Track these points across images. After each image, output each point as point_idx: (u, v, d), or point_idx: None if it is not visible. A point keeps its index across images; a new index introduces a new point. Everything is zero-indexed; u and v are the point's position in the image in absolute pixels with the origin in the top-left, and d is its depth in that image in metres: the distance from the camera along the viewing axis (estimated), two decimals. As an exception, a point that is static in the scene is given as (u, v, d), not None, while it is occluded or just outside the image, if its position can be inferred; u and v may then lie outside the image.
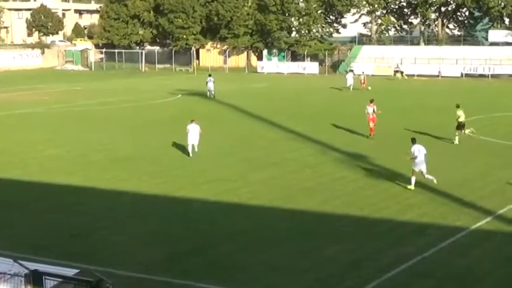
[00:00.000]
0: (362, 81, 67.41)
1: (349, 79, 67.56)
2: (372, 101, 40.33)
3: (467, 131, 36.97)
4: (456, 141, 36.59)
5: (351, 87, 66.42)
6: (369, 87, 65.35)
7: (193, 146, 33.57)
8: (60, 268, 13.38)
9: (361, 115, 39.26)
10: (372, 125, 39.04)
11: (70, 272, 13.02)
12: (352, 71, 75.09)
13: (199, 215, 23.70)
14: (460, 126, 36.87)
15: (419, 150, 27.18)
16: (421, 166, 27.02)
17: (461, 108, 37.38)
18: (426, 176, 27.05)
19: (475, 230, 21.48)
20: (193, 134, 33.41)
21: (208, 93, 60.34)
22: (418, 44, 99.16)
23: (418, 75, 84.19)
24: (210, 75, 62.28)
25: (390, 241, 20.56)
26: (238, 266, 18.50)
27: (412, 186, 26.74)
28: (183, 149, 35.31)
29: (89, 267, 16.54)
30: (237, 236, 21.27)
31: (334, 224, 22.43)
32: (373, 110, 39.55)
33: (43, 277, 12.10)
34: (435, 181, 26.96)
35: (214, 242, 20.69)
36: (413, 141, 27.98)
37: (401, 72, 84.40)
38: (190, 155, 33.27)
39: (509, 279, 17.74)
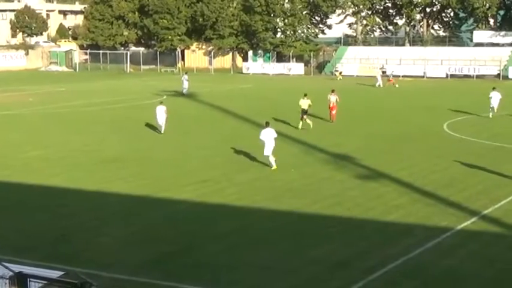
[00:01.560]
0: (389, 79, 70.06)
1: (378, 78, 70.08)
2: (333, 91, 45.84)
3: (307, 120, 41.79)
4: (300, 127, 41.55)
5: (380, 85, 68.65)
6: (397, 85, 66.67)
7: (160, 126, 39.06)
8: (45, 270, 13.35)
9: (348, 116, 39.28)
10: (333, 112, 44.39)
11: (55, 274, 12.99)
12: (383, 70, 75.63)
13: (185, 216, 23.63)
14: (304, 113, 41.69)
15: (266, 134, 30.64)
16: (267, 148, 30.41)
17: (307, 98, 42.05)
18: (270, 158, 30.43)
19: (460, 231, 21.50)
20: (160, 115, 39.34)
21: (183, 90, 62.54)
22: (403, 44, 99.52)
23: (403, 76, 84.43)
24: (186, 73, 63.72)
25: (376, 241, 20.55)
26: (224, 267, 18.44)
27: (274, 167, 30.12)
28: (168, 150, 35.33)
29: (74, 269, 16.44)
30: (222, 236, 21.21)
31: (321, 225, 22.40)
32: (336, 100, 44.91)
33: (28, 279, 12.05)
34: (274, 166, 30.22)
35: (200, 242, 20.63)
36: (267, 124, 31.62)
37: (340, 73, 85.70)
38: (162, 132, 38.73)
39: (494, 280, 17.77)
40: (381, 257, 18.98)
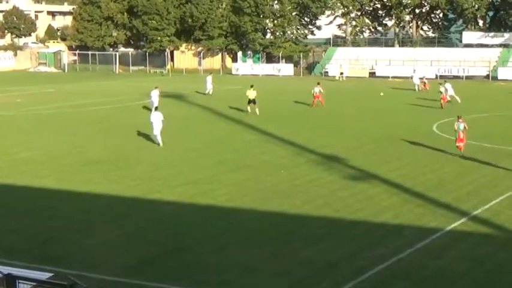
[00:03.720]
0: (424, 84, 67.58)
1: (416, 80, 68.24)
2: (318, 83, 55.31)
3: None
4: (249, 111, 48.88)
5: (417, 88, 66.99)
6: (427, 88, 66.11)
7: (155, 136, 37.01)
8: (34, 272, 13.29)
9: (340, 119, 39.31)
10: (316, 100, 53.18)
11: (44, 275, 12.96)
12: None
13: (174, 218, 23.59)
14: (250, 101, 49.01)
15: (155, 117, 36.45)
16: (155, 129, 36.13)
17: (254, 89, 49.18)
18: (158, 137, 35.95)
19: (450, 231, 21.54)
20: (157, 125, 36.74)
21: (206, 90, 63.87)
22: (393, 45, 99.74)
23: (392, 77, 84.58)
24: (210, 74, 67.10)
25: (366, 243, 20.55)
26: (213, 268, 18.41)
27: (161, 145, 35.83)
28: (157, 151, 35.27)
29: (63, 271, 16.40)
30: (212, 238, 21.18)
31: (310, 226, 22.38)
32: (319, 90, 53.63)
33: (17, 281, 12.08)
34: (161, 144, 35.89)
35: (189, 244, 20.59)
36: (156, 109, 38.24)
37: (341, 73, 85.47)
38: (161, 144, 36.55)
39: (484, 280, 17.80)
40: (370, 258, 18.99)
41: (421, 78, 68.27)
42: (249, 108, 48.97)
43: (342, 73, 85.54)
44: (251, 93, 49.40)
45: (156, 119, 36.85)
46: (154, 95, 49.53)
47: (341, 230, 21.97)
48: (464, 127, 33.05)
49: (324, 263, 18.85)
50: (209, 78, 64.70)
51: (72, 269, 17.44)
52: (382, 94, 59.41)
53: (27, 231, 22.04)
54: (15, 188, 27.89)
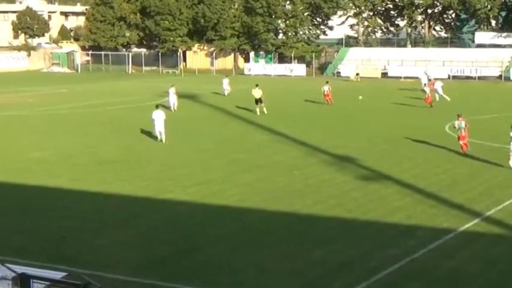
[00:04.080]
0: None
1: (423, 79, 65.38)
2: (327, 82, 57.69)
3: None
4: (258, 113, 48.69)
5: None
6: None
7: (160, 133, 37.93)
8: (48, 271, 13.32)
9: (352, 118, 39.23)
10: (326, 98, 55.25)
11: (58, 275, 12.96)
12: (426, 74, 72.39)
13: (186, 218, 23.62)
14: (257, 101, 49.25)
15: (157, 114, 37.64)
16: (159, 127, 37.39)
17: (259, 88, 49.68)
18: (162, 134, 37.40)
19: (463, 232, 21.47)
20: (159, 122, 37.82)
21: (225, 91, 63.75)
22: (405, 46, 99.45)
23: (404, 77, 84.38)
24: (226, 76, 66.85)
25: (378, 243, 20.51)
26: (225, 269, 18.43)
27: (164, 141, 37.15)
28: (169, 151, 35.33)
29: (76, 271, 16.44)
30: (224, 238, 21.19)
31: (322, 226, 22.38)
32: (328, 88, 55.74)
33: (30, 280, 12.10)
34: (163, 141, 37.13)
35: (202, 244, 20.60)
36: (157, 107, 38.56)
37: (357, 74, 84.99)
38: (159, 139, 37.86)
39: (497, 281, 17.75)
40: (383, 259, 18.95)
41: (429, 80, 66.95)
42: (257, 108, 49.32)
43: (357, 74, 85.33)
44: (257, 93, 49.91)
45: (158, 117, 37.84)
46: (171, 93, 52.36)
47: (353, 230, 21.94)
48: (466, 125, 33.44)
49: (336, 263, 18.83)
50: (225, 81, 64.68)
51: (85, 268, 17.48)
52: (360, 98, 58.43)
53: (40, 230, 22.13)
54: (28, 188, 28.00)
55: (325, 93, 55.65)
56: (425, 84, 59.42)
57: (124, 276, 17.83)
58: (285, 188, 27.31)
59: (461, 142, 33.57)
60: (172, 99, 52.25)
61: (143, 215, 23.93)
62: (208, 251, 19.96)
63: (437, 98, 56.03)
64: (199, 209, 24.64)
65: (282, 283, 17.59)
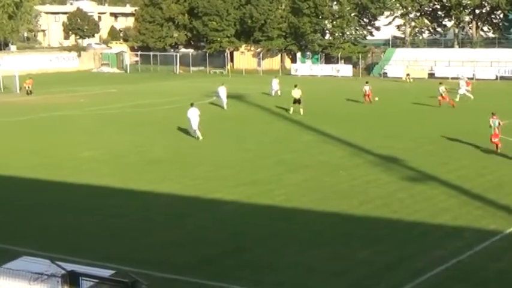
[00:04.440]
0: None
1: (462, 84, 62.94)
2: (367, 82, 58.64)
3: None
4: (291, 113, 49.43)
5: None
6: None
7: (194, 131, 39.01)
8: (96, 269, 13.53)
9: (397, 119, 39.03)
10: (366, 98, 56.05)
11: (106, 272, 13.15)
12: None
13: (233, 218, 23.79)
14: (295, 101, 49.77)
15: (192, 112, 38.73)
16: (193, 124, 38.55)
17: (298, 89, 50.27)
18: (196, 132, 38.33)
19: (510, 234, 21.29)
20: (194, 120, 38.96)
21: (272, 91, 63.60)
22: (452, 46, 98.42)
23: (452, 78, 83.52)
24: (275, 77, 66.65)
25: (424, 244, 20.47)
26: (271, 268, 18.56)
27: (201, 138, 38.23)
28: (217, 151, 35.55)
29: (124, 269, 16.69)
30: (270, 238, 21.33)
31: (368, 227, 22.40)
32: (369, 88, 56.48)
33: (79, 278, 12.23)
34: (200, 138, 38.19)
35: (248, 244, 20.77)
36: (191, 105, 39.43)
37: (408, 75, 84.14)
38: (196, 136, 38.88)
39: (544, 284, 17.62)
40: (429, 260, 18.91)
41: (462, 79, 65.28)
42: (291, 108, 49.93)
43: (408, 74, 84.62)
44: (296, 93, 50.27)
45: (193, 115, 39.11)
46: (222, 91, 54.10)
47: (399, 231, 21.92)
48: (499, 123, 34.06)
49: (382, 264, 18.85)
50: (275, 81, 64.79)
51: (133, 266, 17.69)
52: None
53: (90, 229, 22.49)
54: (78, 187, 28.41)
55: (366, 93, 56.48)
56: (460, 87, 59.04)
57: (171, 275, 18.05)
58: (331, 188, 27.36)
59: (494, 140, 33.96)
60: (223, 98, 53.94)
61: (191, 215, 24.18)
62: (255, 251, 20.12)
63: (458, 98, 56.58)
64: (246, 209, 24.79)
65: (327, 283, 17.67)
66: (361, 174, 29.78)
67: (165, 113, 51.93)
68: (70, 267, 12.64)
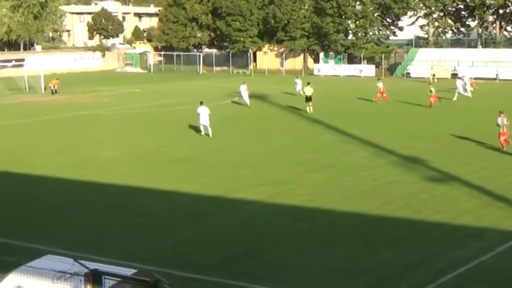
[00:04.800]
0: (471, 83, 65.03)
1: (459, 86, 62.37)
2: (379, 79, 61.19)
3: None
4: (308, 111, 49.71)
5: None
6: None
7: (205, 127, 40.13)
8: (119, 268, 13.66)
9: (420, 119, 38.88)
10: (379, 95, 56.68)
11: (128, 271, 13.28)
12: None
13: (255, 217, 23.89)
14: (308, 99, 50.34)
15: (202, 110, 39.89)
16: (204, 122, 39.66)
17: (311, 87, 50.91)
18: (209, 129, 39.55)
19: (532, 235, 21.27)
20: (203, 116, 40.05)
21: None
22: (476, 46, 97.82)
23: (475, 78, 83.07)
24: (297, 77, 66.37)
25: (446, 245, 20.46)
26: (293, 268, 18.64)
27: (211, 135, 39.36)
28: (239, 151, 35.66)
29: (147, 268, 16.83)
30: (292, 238, 21.40)
31: (390, 227, 22.42)
32: (383, 85, 57.24)
33: (102, 276, 12.36)
34: (210, 134, 39.30)
35: (270, 243, 20.86)
36: (201, 103, 40.34)
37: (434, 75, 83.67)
38: (202, 133, 40.18)
39: None
40: (450, 261, 18.91)
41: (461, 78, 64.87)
42: (307, 107, 50.43)
43: (434, 75, 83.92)
44: (308, 90, 51.13)
45: (203, 112, 40.25)
46: (243, 90, 55.45)
47: (421, 232, 21.90)
48: (507, 121, 34.74)
49: (403, 264, 18.87)
50: (298, 81, 64.80)
51: (155, 265, 17.83)
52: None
53: (113, 228, 22.68)
54: (101, 186, 28.66)
55: (381, 90, 57.12)
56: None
57: (193, 274, 18.15)
58: (353, 188, 27.39)
59: (501, 138, 34.55)
60: (245, 96, 55.06)
61: (213, 214, 24.29)
62: (277, 251, 20.20)
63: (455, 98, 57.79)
64: (268, 209, 24.87)
65: (349, 283, 17.74)
66: (383, 174, 29.77)
67: (188, 113, 51.88)
68: (93, 266, 12.78)
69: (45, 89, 71.46)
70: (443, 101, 54.02)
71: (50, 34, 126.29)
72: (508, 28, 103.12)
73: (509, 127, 34.92)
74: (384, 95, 56.74)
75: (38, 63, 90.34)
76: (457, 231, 21.91)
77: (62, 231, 22.33)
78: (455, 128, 41.90)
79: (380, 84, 57.61)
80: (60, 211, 24.85)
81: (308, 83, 51.95)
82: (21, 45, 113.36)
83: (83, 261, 12.83)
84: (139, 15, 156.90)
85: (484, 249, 19.78)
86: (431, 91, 53.99)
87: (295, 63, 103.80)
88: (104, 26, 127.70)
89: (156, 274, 12.92)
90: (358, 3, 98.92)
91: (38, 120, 48.86)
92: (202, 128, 40.41)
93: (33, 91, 71.60)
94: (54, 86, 68.86)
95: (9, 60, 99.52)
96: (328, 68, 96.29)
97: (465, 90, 60.57)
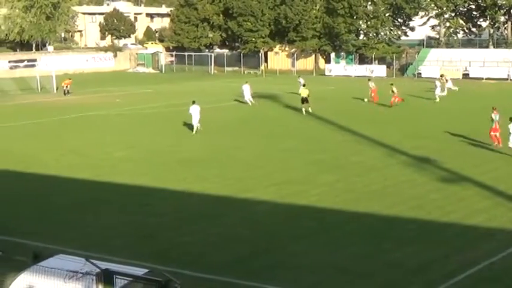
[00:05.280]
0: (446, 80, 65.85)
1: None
2: (369, 79, 61.69)
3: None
4: (304, 113, 49.43)
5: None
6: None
7: (197, 126, 41.71)
8: (130, 267, 13.72)
9: (431, 119, 38.80)
10: (373, 94, 56.91)
11: (140, 271, 13.34)
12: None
13: (266, 217, 23.91)
14: (303, 100, 50.13)
15: (193, 109, 41.36)
16: (195, 119, 41.13)
17: (306, 88, 51.22)
18: (196, 126, 41.23)
19: (544, 236, 21.21)
20: (195, 115, 41.55)
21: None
22: (487, 47, 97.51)
23: (486, 78, 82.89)
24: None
25: (457, 245, 20.44)
26: (304, 268, 18.66)
27: (198, 131, 41.11)
28: (250, 151, 35.69)
29: (158, 267, 16.88)
30: (303, 238, 21.42)
31: (401, 228, 22.41)
32: (373, 85, 57.60)
33: (114, 276, 12.45)
34: (197, 131, 41.00)
35: (281, 243, 20.88)
36: (193, 102, 41.73)
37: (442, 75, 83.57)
38: (194, 132, 41.54)
39: None
40: (461, 261, 18.90)
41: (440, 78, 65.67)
42: (303, 109, 50.36)
43: (442, 75, 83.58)
44: (304, 92, 51.18)
45: (195, 111, 41.64)
46: (246, 89, 57.14)
47: (432, 232, 21.90)
48: (499, 117, 35.67)
49: (414, 265, 18.86)
50: (301, 80, 64.84)
51: (166, 265, 17.90)
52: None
53: (124, 228, 22.76)
54: (112, 185, 28.76)
55: (373, 89, 57.63)
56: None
57: (204, 274, 18.20)
58: (364, 188, 27.38)
59: (492, 133, 35.26)
60: (248, 95, 56.54)
61: (224, 214, 24.33)
62: (288, 251, 20.23)
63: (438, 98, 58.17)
64: (279, 209, 24.89)
65: (359, 284, 17.74)
66: (394, 174, 29.75)
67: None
68: (104, 265, 12.86)
69: (57, 89, 71.68)
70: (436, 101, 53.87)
71: (62, 34, 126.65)
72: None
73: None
74: (373, 94, 57.28)
75: (50, 64, 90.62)
76: (468, 231, 21.88)
77: (74, 231, 22.41)
78: (466, 128, 41.80)
79: (371, 84, 58.24)
80: (72, 211, 24.93)
81: (304, 85, 52.72)
82: (34, 45, 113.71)
83: (94, 261, 12.89)
84: (151, 16, 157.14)
85: (496, 250, 19.76)
86: (393, 91, 54.66)
87: (307, 63, 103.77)
88: (116, 26, 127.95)
89: (167, 274, 12.97)
90: (369, 3, 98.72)
91: (51, 120, 49.03)
92: (195, 126, 41.83)
93: (45, 91, 71.83)
94: (66, 86, 69.05)
95: (22, 61, 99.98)
96: (339, 68, 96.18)
97: (443, 90, 61.06)
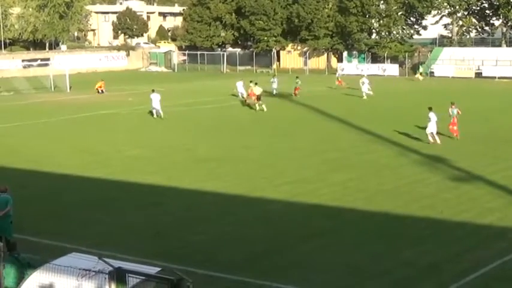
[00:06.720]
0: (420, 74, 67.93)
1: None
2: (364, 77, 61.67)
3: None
4: (257, 109, 51.45)
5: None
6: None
7: (157, 111, 47.47)
8: (143, 266, 13.77)
9: (443, 117, 38.57)
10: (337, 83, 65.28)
11: (152, 270, 13.40)
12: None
13: (278, 216, 23.91)
14: (257, 98, 51.84)
15: (154, 96, 46.76)
16: (156, 106, 46.70)
17: (258, 86, 52.83)
18: (160, 112, 47.12)
19: (557, 235, 21.13)
20: (155, 101, 47.19)
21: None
22: (500, 45, 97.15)
23: (499, 77, 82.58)
24: (241, 79, 64.75)
25: (470, 245, 20.40)
26: (316, 267, 18.65)
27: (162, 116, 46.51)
28: (262, 150, 35.70)
29: (170, 266, 16.92)
30: (315, 237, 21.42)
31: (413, 227, 22.36)
32: (362, 82, 60.05)
33: (126, 275, 12.51)
34: (162, 116, 46.54)
35: (293, 242, 20.88)
36: (153, 91, 47.02)
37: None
38: (155, 116, 47.45)
39: None
40: (473, 261, 18.86)
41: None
42: (257, 105, 51.98)
43: (421, 73, 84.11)
44: (257, 90, 52.65)
45: (155, 98, 47.46)
46: (239, 86, 59.92)
47: (445, 232, 21.83)
48: (458, 112, 38.50)
49: (426, 264, 18.82)
50: (298, 80, 65.17)
51: (179, 264, 17.95)
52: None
53: (137, 226, 22.81)
54: (125, 184, 28.82)
55: (339, 79, 66.52)
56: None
57: (215, 273, 18.22)
58: (377, 187, 27.34)
59: (450, 127, 37.75)
60: (241, 91, 59.20)
61: (236, 213, 24.37)
62: (300, 250, 20.22)
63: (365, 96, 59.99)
64: (291, 208, 24.89)
65: (371, 283, 17.72)
66: (407, 174, 29.69)
67: (212, 112, 52.22)
68: (117, 264, 12.91)
69: (70, 88, 71.98)
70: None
71: (75, 33, 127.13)
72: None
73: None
74: (338, 83, 67.02)
75: (64, 63, 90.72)
76: (481, 230, 21.83)
77: (86, 229, 22.48)
78: (480, 126, 41.72)
79: (365, 81, 60.69)
80: (85, 209, 24.99)
81: (256, 83, 53.51)
82: (47, 44, 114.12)
83: (107, 259, 12.95)
84: (163, 15, 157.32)
85: (508, 249, 19.69)
86: (297, 83, 62.58)
87: (319, 62, 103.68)
88: (129, 25, 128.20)
89: (179, 272, 13.00)
90: (382, 2, 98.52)
91: (64, 119, 49.19)
92: (154, 112, 47.49)
93: (59, 90, 72.09)
94: (100, 88, 69.89)
95: (35, 60, 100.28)
96: (351, 67, 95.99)
97: (369, 89, 61.75)
